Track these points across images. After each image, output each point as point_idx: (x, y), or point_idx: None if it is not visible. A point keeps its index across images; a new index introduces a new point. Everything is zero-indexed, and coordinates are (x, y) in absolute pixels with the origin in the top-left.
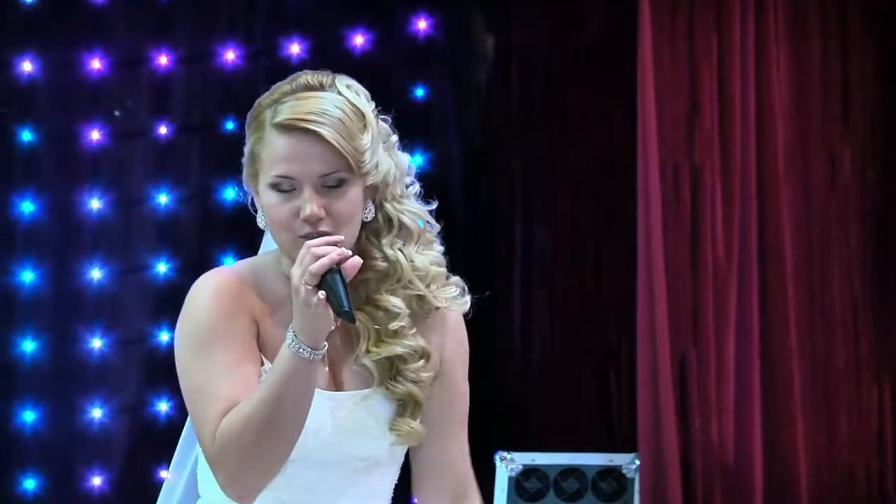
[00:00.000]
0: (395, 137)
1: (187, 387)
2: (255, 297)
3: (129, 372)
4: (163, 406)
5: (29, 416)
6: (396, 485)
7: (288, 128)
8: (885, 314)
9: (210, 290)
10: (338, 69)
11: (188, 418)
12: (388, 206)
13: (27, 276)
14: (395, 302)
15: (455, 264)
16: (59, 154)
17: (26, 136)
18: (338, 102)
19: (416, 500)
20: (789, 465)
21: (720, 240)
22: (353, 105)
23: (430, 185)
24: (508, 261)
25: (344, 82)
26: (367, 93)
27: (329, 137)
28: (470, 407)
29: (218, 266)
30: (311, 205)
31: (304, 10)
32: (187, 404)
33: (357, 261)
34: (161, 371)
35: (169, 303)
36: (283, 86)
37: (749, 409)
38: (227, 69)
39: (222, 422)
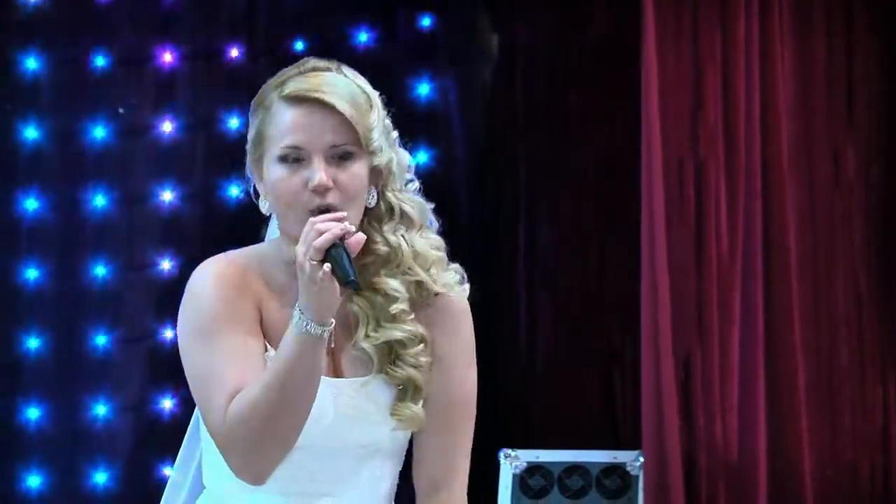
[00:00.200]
0: (395, 133)
1: (193, 374)
2: (256, 282)
3: (134, 369)
4: (167, 403)
5: (33, 412)
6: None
7: (298, 99)
8: (889, 311)
9: (211, 276)
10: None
11: (193, 416)
12: (389, 194)
13: (31, 274)
14: (395, 285)
15: (458, 264)
16: (63, 151)
17: (30, 133)
18: (346, 81)
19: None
20: (793, 462)
21: (724, 237)
22: (360, 86)
23: (434, 185)
24: (512, 260)
25: (349, 70)
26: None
27: (340, 108)
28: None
29: None
30: (320, 173)
31: (308, 8)
32: (194, 392)
33: (361, 237)
34: (165, 368)
35: (173, 300)
36: (289, 70)
37: (753, 406)
38: (231, 66)
39: (231, 405)
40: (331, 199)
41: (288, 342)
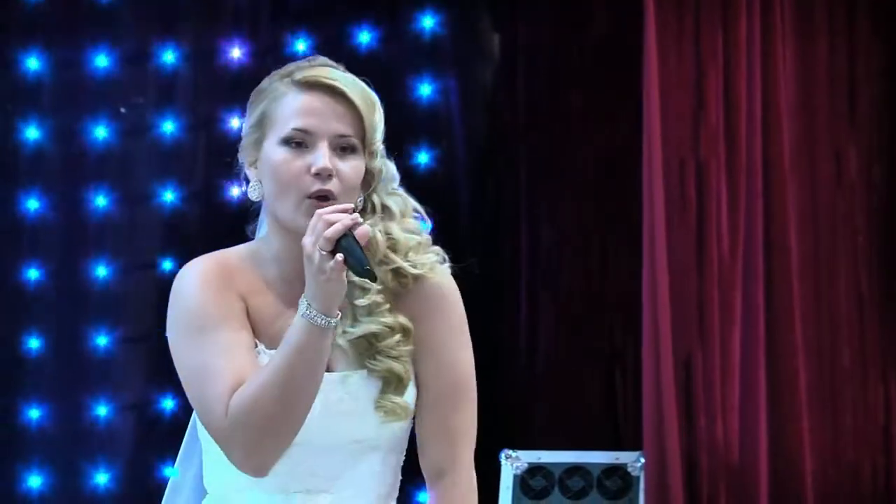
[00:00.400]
0: (382, 147)
1: (188, 372)
2: (241, 278)
3: (135, 369)
4: (168, 403)
5: (34, 412)
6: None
7: (312, 84)
8: (891, 311)
9: (196, 274)
10: (343, 66)
11: (192, 416)
12: (375, 196)
13: (32, 274)
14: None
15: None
16: (65, 151)
17: (32, 133)
18: (356, 79)
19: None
20: (795, 462)
21: (725, 238)
22: (367, 88)
23: (435, 184)
24: (513, 261)
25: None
26: None
27: (353, 98)
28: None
29: None
30: (326, 158)
31: (310, 7)
32: (189, 390)
33: (367, 229)
34: (167, 368)
35: None
36: (298, 62)
37: (754, 407)
38: (233, 66)
39: (233, 397)
40: (330, 186)
41: (294, 332)
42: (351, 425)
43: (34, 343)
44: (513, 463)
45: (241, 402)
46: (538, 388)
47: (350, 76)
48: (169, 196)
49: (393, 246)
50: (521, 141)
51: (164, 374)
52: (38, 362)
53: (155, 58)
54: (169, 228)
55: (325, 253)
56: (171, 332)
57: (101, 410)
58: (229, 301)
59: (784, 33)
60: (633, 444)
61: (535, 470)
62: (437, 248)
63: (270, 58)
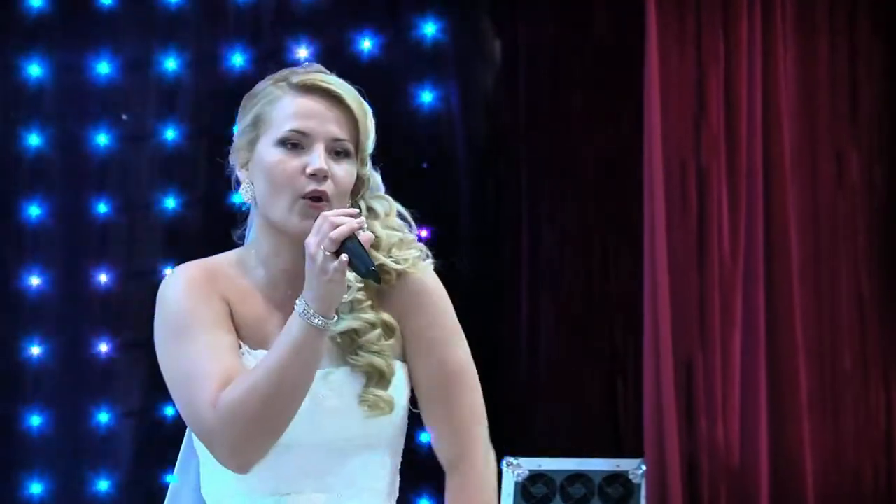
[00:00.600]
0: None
1: (176, 374)
2: (225, 283)
3: (136, 376)
4: (169, 410)
5: (36, 419)
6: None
7: (310, 88)
8: (892, 312)
9: (181, 281)
10: (345, 73)
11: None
12: (362, 201)
13: (34, 281)
14: (349, 275)
15: (460, 268)
16: (67, 158)
17: (33, 139)
18: (351, 87)
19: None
20: (796, 465)
21: (726, 240)
22: (360, 96)
23: (436, 186)
24: (515, 263)
25: None
26: None
27: (350, 103)
28: None
29: None
30: (322, 160)
31: (312, 14)
32: (176, 392)
33: (370, 235)
34: None
35: None
36: (293, 69)
37: (755, 410)
38: (235, 73)
39: (224, 393)
40: (325, 187)
41: (289, 332)
42: (337, 422)
43: (36, 350)
44: (514, 470)
45: (231, 399)
46: (539, 392)
47: (345, 83)
48: (170, 203)
49: (376, 243)
50: (522, 143)
51: (164, 381)
52: (40, 369)
53: (157, 65)
54: (170, 235)
55: (328, 254)
56: (157, 337)
57: (103, 417)
58: (213, 304)
59: (785, 34)
60: (634, 447)
61: (536, 477)
62: (420, 245)
63: (272, 65)
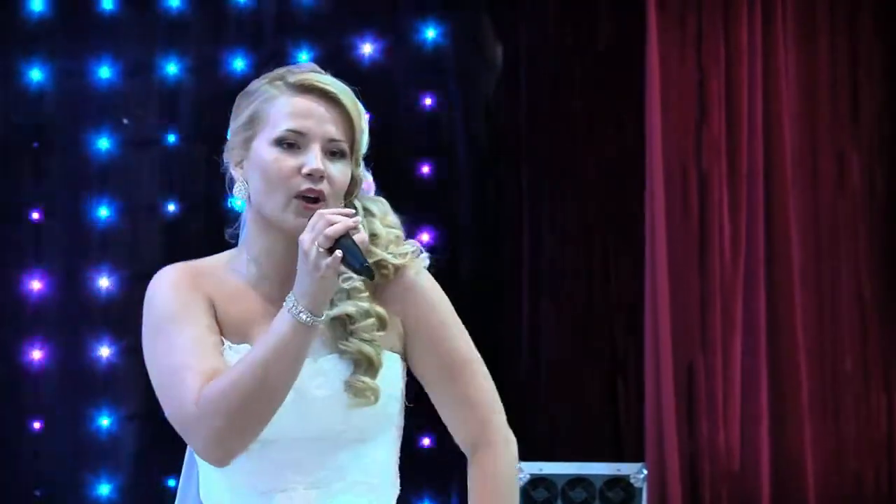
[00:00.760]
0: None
1: (160, 369)
2: (210, 283)
3: (138, 380)
4: None
5: (37, 423)
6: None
7: (307, 88)
8: (893, 316)
9: (167, 280)
10: (346, 78)
11: None
12: (357, 202)
13: (35, 285)
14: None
15: (463, 270)
16: (67, 162)
17: (35, 143)
18: (347, 87)
19: None
20: (797, 468)
21: (727, 245)
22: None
23: (438, 190)
24: (515, 265)
25: None
26: None
27: (346, 104)
28: None
29: None
30: (318, 160)
31: (313, 19)
32: (160, 388)
33: (365, 236)
34: None
35: None
36: (289, 67)
37: (756, 414)
38: (236, 78)
39: (205, 388)
40: (321, 187)
41: (277, 327)
42: (323, 414)
43: (37, 354)
44: None
45: (214, 392)
46: (540, 396)
47: (341, 83)
48: (171, 207)
49: (374, 241)
50: (523, 147)
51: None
52: (41, 373)
53: (158, 69)
54: (171, 239)
55: (322, 250)
56: (144, 334)
57: (104, 421)
58: (197, 303)
59: (785, 37)
60: (635, 450)
61: (537, 481)
62: (413, 241)
63: (273, 69)
